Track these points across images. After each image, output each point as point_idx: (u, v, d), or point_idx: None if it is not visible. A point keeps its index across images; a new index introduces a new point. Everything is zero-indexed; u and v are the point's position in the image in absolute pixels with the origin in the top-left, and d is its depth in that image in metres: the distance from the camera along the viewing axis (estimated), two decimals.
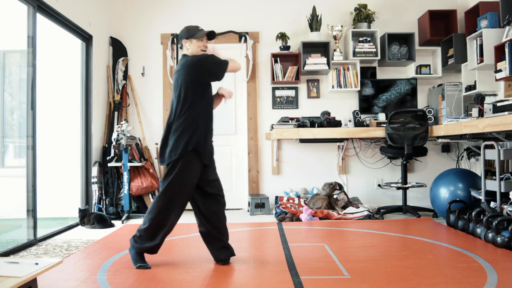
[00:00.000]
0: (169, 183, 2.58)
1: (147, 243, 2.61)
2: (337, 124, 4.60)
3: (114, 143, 4.41)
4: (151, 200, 4.75)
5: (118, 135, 4.39)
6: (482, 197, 3.50)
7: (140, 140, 5.02)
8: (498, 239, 3.01)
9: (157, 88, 5.12)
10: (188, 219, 4.37)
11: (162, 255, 2.82)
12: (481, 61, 4.08)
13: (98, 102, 4.72)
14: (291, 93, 5.12)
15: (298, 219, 4.21)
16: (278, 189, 5.06)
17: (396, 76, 5.12)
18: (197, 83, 2.63)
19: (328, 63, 4.86)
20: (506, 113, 3.15)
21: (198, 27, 2.75)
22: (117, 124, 4.77)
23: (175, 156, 2.56)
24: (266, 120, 5.11)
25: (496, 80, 3.86)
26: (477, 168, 4.66)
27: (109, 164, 4.55)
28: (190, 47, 2.72)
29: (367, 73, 5.10)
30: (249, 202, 4.80)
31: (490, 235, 3.12)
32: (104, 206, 4.56)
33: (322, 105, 5.09)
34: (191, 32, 2.72)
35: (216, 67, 2.68)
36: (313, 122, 4.58)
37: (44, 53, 3.77)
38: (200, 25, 5.32)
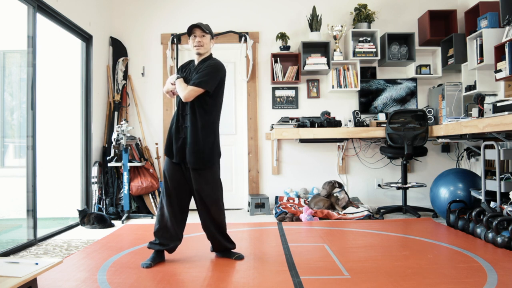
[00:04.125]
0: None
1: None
2: (337, 124, 4.60)
3: (114, 143, 4.41)
4: (151, 200, 4.75)
5: (118, 135, 4.39)
6: (482, 197, 3.50)
7: (140, 140, 5.02)
8: (498, 239, 3.01)
9: (157, 88, 5.12)
10: (187, 219, 4.37)
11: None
12: (481, 61, 4.08)
13: (98, 102, 4.72)
14: (291, 93, 5.12)
15: (298, 219, 4.21)
16: (278, 189, 5.06)
17: (396, 76, 5.12)
18: None
19: (328, 63, 4.86)
20: (506, 113, 3.15)
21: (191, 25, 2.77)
22: (117, 124, 4.77)
23: None
24: (266, 120, 5.11)
25: (496, 80, 3.86)
26: (477, 168, 4.66)
27: (109, 164, 4.55)
28: (190, 48, 2.82)
29: (367, 73, 5.10)
30: (249, 202, 4.80)
31: (490, 235, 3.12)
32: (104, 206, 4.56)
33: (322, 105, 5.09)
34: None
35: None
36: (313, 122, 4.58)
37: (44, 53, 3.77)
38: None
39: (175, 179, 2.72)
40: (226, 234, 2.85)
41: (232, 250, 2.88)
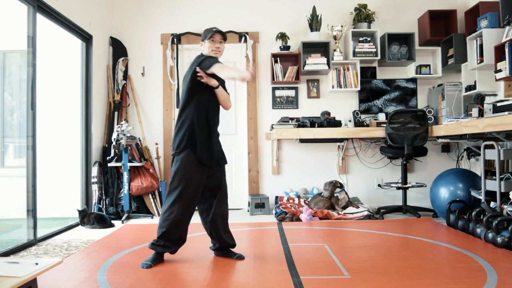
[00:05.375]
0: (173, 175, 2.69)
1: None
2: (337, 124, 4.60)
3: (114, 143, 4.41)
4: (151, 200, 4.75)
5: (118, 135, 4.39)
6: (482, 197, 3.50)
7: (140, 140, 5.02)
8: (498, 239, 3.01)
9: (157, 88, 5.12)
10: None
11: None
12: (481, 61, 4.08)
13: (98, 102, 4.72)
14: (291, 93, 5.12)
15: (298, 219, 4.21)
16: (278, 189, 5.06)
17: (396, 76, 5.12)
18: (192, 81, 2.71)
19: (328, 63, 4.86)
20: (506, 113, 3.15)
21: (212, 28, 2.78)
22: (117, 124, 4.77)
23: (173, 151, 2.74)
24: (266, 120, 5.11)
25: (496, 80, 3.86)
26: (477, 168, 4.66)
27: (109, 164, 4.55)
28: (204, 49, 2.80)
29: (367, 73, 5.10)
30: (249, 202, 4.80)
31: (490, 235, 3.12)
32: (104, 206, 4.56)
33: (322, 105, 5.09)
34: (204, 34, 2.80)
35: (203, 61, 2.70)
36: (313, 122, 4.58)
37: (44, 53, 3.77)
38: (200, 25, 5.34)
39: (201, 182, 2.70)
40: (229, 230, 2.91)
41: (233, 250, 2.89)
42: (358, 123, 4.76)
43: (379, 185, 5.07)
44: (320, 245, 3.18)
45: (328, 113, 4.73)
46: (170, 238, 2.70)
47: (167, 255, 2.83)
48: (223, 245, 2.87)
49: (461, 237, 3.38)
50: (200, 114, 2.69)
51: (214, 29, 2.75)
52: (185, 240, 2.79)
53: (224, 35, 2.79)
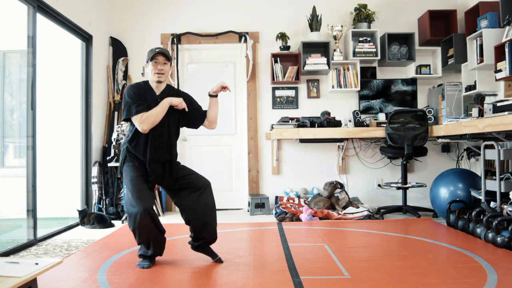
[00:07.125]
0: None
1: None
2: (337, 124, 4.60)
3: (114, 143, 4.40)
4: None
5: (118, 135, 4.39)
6: (482, 197, 3.50)
7: None
8: (498, 239, 3.01)
9: None
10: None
11: (162, 255, 2.82)
12: (481, 61, 4.08)
13: (98, 102, 4.72)
14: (291, 93, 5.12)
15: (298, 219, 4.21)
16: (278, 189, 5.06)
17: (396, 76, 5.12)
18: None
19: (328, 63, 4.86)
20: (506, 113, 3.15)
21: (155, 49, 2.63)
22: (117, 124, 4.77)
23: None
24: (266, 120, 5.11)
25: (496, 80, 3.86)
26: (477, 168, 4.66)
27: (109, 164, 4.55)
28: (148, 72, 2.68)
29: (367, 73, 5.10)
30: (249, 202, 4.80)
31: (490, 235, 3.12)
32: (104, 206, 4.56)
33: (322, 105, 5.09)
34: (148, 56, 2.66)
35: (124, 107, 2.63)
36: (313, 122, 4.58)
37: (44, 53, 3.77)
38: (200, 25, 5.35)
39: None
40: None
41: (214, 251, 2.77)
42: (358, 123, 4.76)
43: (379, 185, 5.07)
44: (320, 245, 3.18)
45: (328, 113, 4.73)
46: (158, 248, 2.68)
47: (166, 256, 2.83)
48: (210, 236, 2.72)
49: (461, 237, 3.38)
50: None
51: (157, 50, 2.60)
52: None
53: (167, 56, 2.62)
